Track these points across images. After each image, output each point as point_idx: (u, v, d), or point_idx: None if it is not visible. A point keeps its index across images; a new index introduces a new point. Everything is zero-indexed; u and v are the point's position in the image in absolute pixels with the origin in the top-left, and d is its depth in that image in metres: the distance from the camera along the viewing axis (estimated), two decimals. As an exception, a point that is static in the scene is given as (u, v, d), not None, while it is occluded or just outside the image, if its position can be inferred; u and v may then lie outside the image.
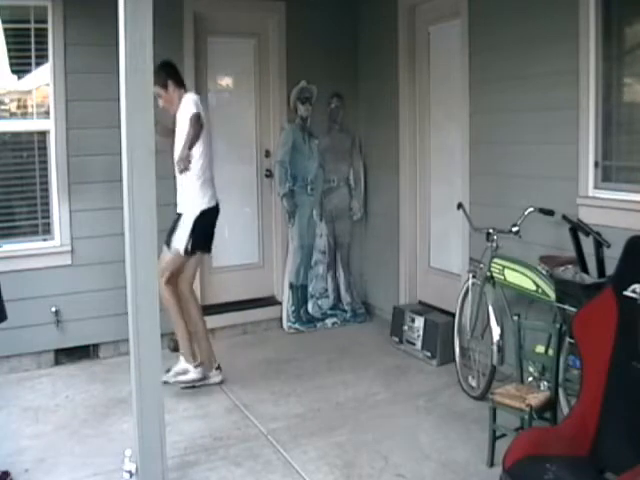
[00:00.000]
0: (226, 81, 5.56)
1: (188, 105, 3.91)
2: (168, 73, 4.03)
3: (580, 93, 3.67)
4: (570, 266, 3.35)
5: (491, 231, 3.85)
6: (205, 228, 4.07)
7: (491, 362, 3.80)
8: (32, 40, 4.50)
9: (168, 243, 4.05)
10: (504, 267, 3.76)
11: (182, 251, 4.01)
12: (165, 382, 3.92)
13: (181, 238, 4.00)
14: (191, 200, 4.03)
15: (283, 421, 3.74)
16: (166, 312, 4.08)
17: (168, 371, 4.08)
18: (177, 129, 4.00)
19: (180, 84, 4.09)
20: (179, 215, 4.08)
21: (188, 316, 4.18)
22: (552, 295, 3.37)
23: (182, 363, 4.15)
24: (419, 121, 5.22)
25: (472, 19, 4.42)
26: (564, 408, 3.26)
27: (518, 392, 3.19)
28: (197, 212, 4.01)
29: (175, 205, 4.14)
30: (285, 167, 5.44)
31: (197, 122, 3.83)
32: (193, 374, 4.13)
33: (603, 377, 2.59)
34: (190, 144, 3.86)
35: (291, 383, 4.29)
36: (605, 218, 3.48)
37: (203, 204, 4.02)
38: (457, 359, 4.20)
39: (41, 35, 4.50)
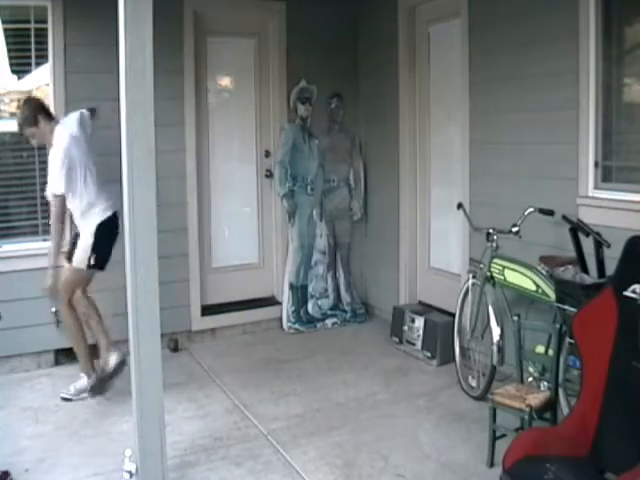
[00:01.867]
0: (226, 81, 5.56)
1: (58, 145, 3.91)
2: (35, 110, 3.98)
3: (580, 93, 3.67)
4: (570, 266, 3.35)
5: (491, 231, 3.85)
6: (106, 239, 4.00)
7: (491, 362, 3.80)
8: (32, 40, 4.50)
9: (69, 259, 4.09)
10: (504, 267, 3.76)
11: (84, 265, 3.97)
12: (66, 399, 4.02)
13: (82, 255, 3.98)
14: (85, 219, 4.01)
15: (283, 421, 3.74)
16: (66, 329, 4.15)
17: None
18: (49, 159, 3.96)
19: (49, 116, 4.04)
20: (77, 234, 4.10)
21: (87, 324, 4.12)
22: (552, 295, 3.36)
23: (84, 380, 4.10)
24: (419, 121, 5.22)
25: (472, 19, 4.42)
26: (564, 408, 3.26)
27: (518, 392, 3.19)
28: (93, 228, 3.98)
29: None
30: (285, 167, 5.43)
31: (55, 199, 3.90)
32: (88, 384, 4.08)
33: (603, 377, 2.59)
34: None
35: (291, 383, 4.29)
36: (605, 218, 3.48)
37: (98, 219, 3.99)
38: (457, 359, 4.20)
39: (41, 35, 4.50)
